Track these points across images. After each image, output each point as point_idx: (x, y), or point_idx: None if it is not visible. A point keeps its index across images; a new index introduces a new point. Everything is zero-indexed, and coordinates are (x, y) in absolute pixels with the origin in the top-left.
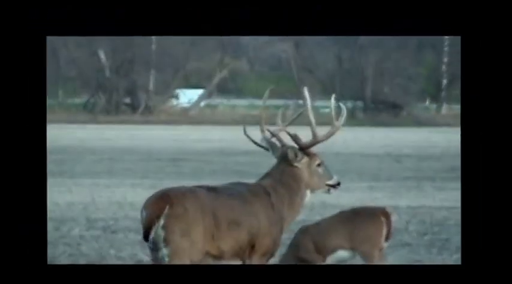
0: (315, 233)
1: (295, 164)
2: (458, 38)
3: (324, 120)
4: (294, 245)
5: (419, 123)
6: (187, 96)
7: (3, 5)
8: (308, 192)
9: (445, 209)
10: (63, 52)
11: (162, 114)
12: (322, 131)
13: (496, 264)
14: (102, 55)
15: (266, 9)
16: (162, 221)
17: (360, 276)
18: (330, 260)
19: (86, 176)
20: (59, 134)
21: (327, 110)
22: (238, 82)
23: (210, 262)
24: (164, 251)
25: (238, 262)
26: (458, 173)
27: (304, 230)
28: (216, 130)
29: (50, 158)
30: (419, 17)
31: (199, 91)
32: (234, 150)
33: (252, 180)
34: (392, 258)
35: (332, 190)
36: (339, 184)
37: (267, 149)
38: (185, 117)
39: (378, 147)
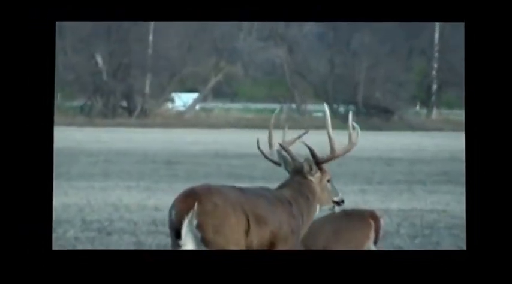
0: (305, 234)
1: (309, 177)
2: (448, 45)
3: (316, 123)
4: None
5: (410, 127)
6: (183, 100)
7: None
8: (318, 207)
9: (435, 212)
10: (61, 56)
11: (158, 117)
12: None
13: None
14: (99, 59)
15: None
16: (195, 222)
17: (361, 264)
18: None
19: (81, 178)
20: (56, 136)
21: (319, 114)
22: (233, 86)
23: None
24: None
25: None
26: (449, 177)
27: None
28: (211, 133)
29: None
30: (421, 2)
31: (195, 95)
32: (228, 153)
33: (246, 183)
34: None
35: (336, 207)
36: (343, 201)
37: (278, 164)
38: (180, 120)
39: (370, 150)
